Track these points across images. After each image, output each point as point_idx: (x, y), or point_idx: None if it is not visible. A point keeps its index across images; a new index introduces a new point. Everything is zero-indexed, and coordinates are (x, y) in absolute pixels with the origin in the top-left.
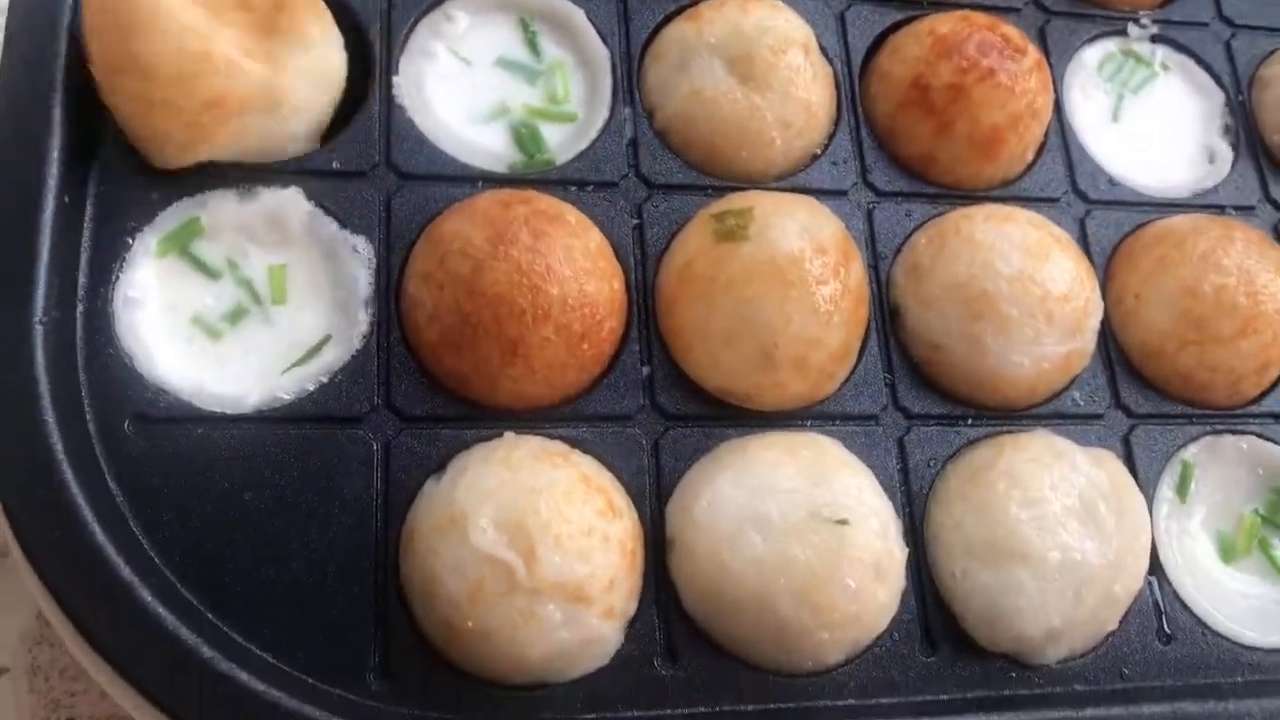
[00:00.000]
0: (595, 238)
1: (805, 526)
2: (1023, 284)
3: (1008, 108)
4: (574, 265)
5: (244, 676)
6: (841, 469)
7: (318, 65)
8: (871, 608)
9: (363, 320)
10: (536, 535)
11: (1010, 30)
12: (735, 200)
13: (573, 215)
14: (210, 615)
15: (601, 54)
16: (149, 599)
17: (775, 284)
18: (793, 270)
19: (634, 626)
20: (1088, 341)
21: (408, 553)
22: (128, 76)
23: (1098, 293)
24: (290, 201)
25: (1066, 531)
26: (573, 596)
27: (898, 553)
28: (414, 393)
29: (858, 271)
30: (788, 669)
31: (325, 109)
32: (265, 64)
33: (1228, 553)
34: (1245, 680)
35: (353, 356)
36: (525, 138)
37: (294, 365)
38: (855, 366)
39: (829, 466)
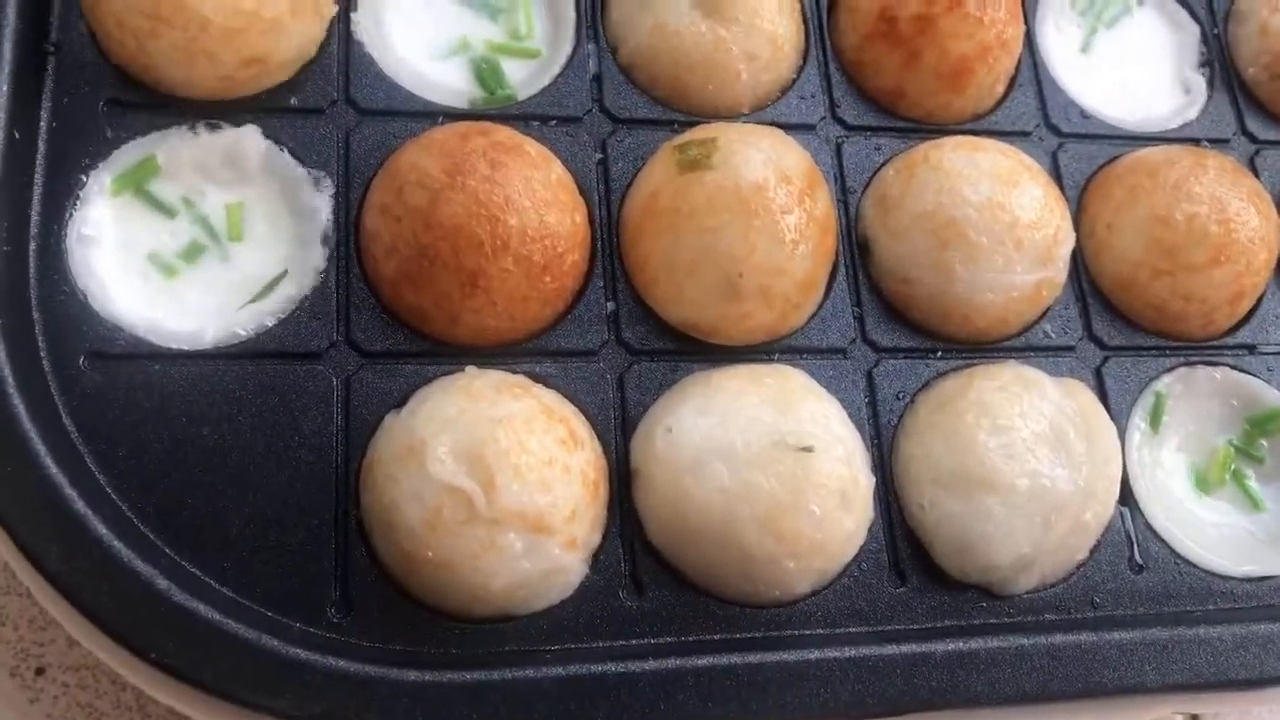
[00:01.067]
0: (556, 170)
1: (769, 455)
2: (991, 211)
3: (976, 38)
4: (534, 196)
5: (200, 608)
6: (807, 397)
7: (325, 14)
8: (837, 536)
9: (321, 256)
10: (495, 464)
11: None
12: (699, 131)
13: (533, 147)
14: (167, 550)
15: None
16: (103, 531)
17: (739, 212)
18: (757, 198)
19: (599, 559)
20: (1059, 271)
21: (367, 483)
22: (173, 25)
23: (1069, 221)
24: (247, 139)
25: (1036, 458)
26: (534, 526)
27: (864, 481)
28: (374, 328)
29: (824, 201)
30: (754, 600)
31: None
32: (301, 21)
33: (1201, 484)
34: (1217, 608)
35: (311, 292)
36: (486, 74)
37: (251, 301)
38: (823, 301)
39: (794, 395)
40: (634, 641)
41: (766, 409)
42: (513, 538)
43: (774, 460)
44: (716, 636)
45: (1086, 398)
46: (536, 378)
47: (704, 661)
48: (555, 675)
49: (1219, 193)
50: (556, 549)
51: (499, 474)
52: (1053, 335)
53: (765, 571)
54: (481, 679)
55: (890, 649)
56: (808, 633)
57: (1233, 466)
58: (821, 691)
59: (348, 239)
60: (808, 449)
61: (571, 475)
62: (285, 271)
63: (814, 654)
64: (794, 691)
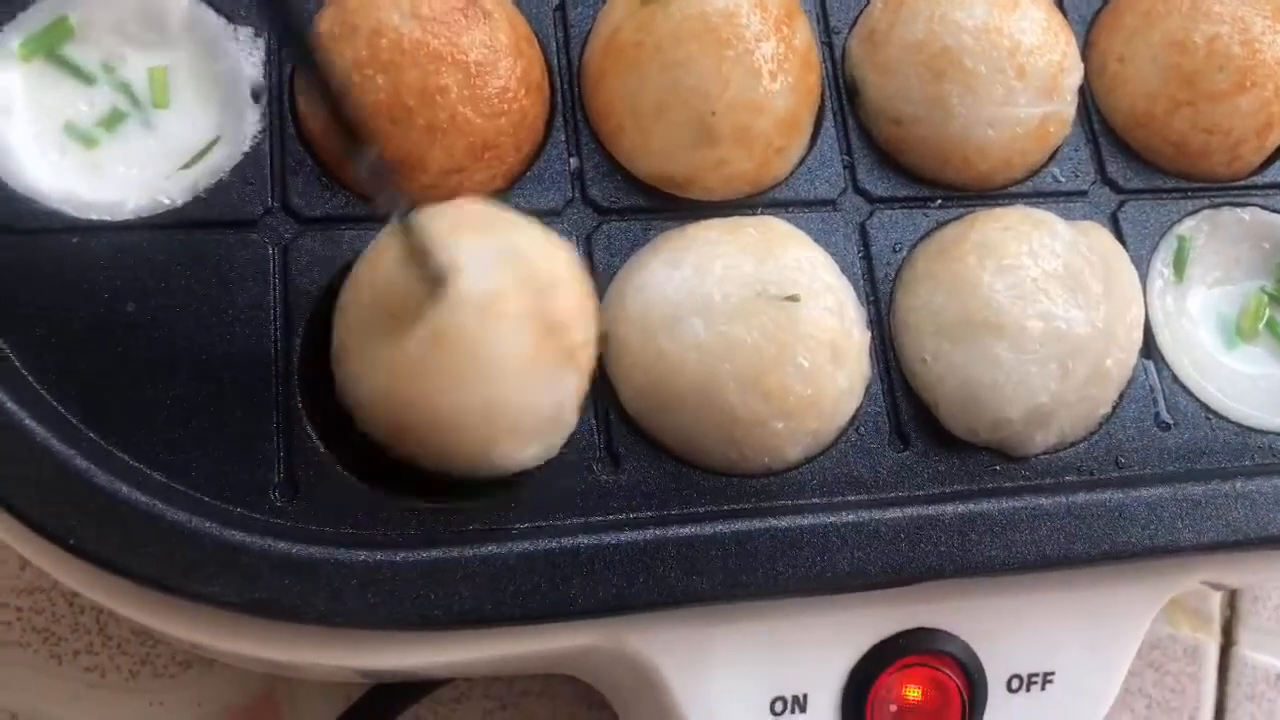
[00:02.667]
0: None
1: (751, 306)
2: (989, 36)
3: None
4: (488, 51)
5: (123, 489)
6: (790, 244)
7: None
8: (829, 392)
9: (254, 118)
10: None
11: None
12: None
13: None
14: (90, 433)
15: None
16: (14, 408)
17: (709, 42)
18: (728, 26)
19: (570, 434)
20: (1066, 106)
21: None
22: None
23: (1075, 49)
24: None
25: (1048, 299)
26: None
27: (857, 335)
28: (313, 192)
29: (803, 33)
30: (742, 469)
31: None
32: None
33: (1233, 335)
34: (1255, 464)
35: (244, 156)
36: None
37: (180, 169)
38: (810, 149)
39: (777, 242)
40: (610, 516)
41: (746, 258)
42: None
43: (756, 312)
44: (701, 509)
45: (1103, 236)
46: None
47: (687, 531)
48: (523, 550)
49: (1241, 12)
50: None
51: None
52: (1062, 179)
53: (752, 435)
54: (440, 556)
55: (893, 513)
56: (802, 502)
57: (1267, 315)
58: (818, 560)
59: (281, 98)
60: (793, 298)
61: None
62: (218, 137)
63: (808, 520)
64: (786, 560)
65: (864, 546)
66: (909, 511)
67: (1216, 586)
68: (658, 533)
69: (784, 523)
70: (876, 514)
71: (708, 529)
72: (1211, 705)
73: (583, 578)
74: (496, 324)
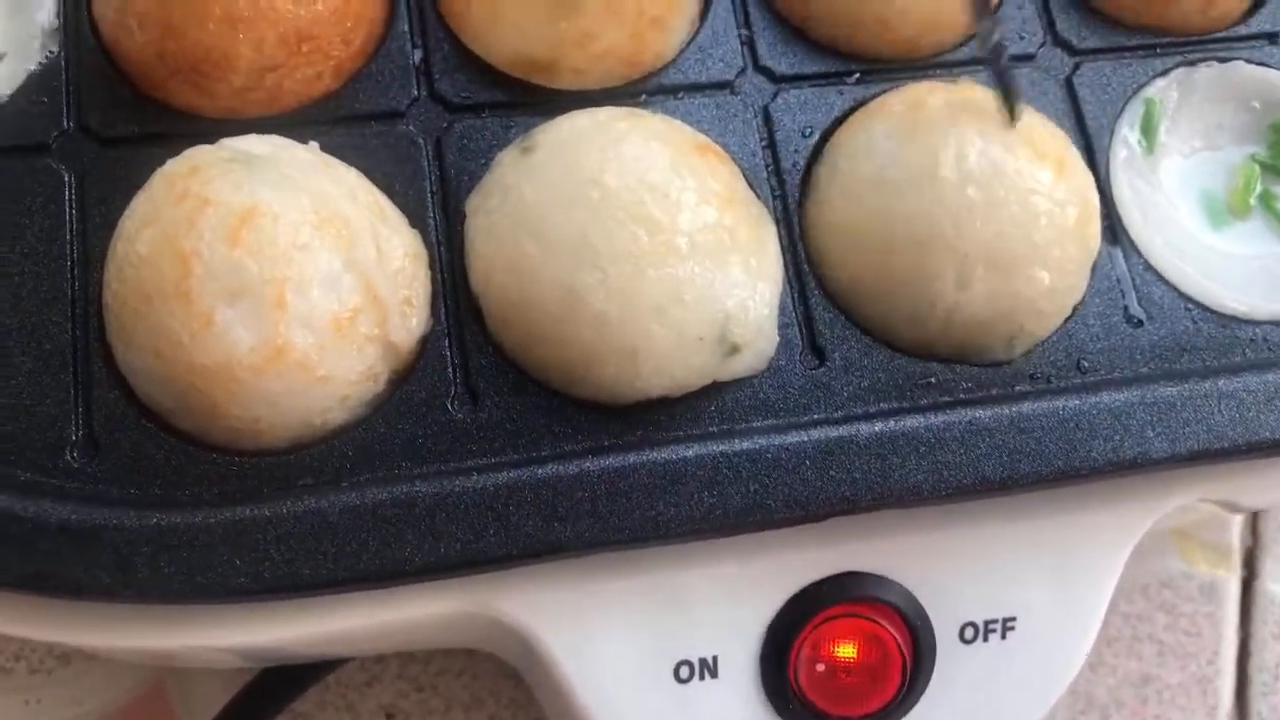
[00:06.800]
0: None
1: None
2: None
3: None
4: None
5: None
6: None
7: None
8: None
9: (47, 29)
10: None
11: None
12: None
13: None
14: None
15: None
16: None
17: None
18: None
19: (419, 366)
20: None
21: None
22: None
23: None
24: None
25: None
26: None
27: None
28: (115, 109)
29: None
30: (626, 394)
31: None
32: None
33: (1219, 213)
34: (1244, 359)
35: (34, 73)
36: None
37: None
38: (700, 24)
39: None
40: (468, 461)
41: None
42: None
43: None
44: (576, 446)
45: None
46: (329, 150)
47: (546, 472)
48: (347, 504)
49: None
50: None
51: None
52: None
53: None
54: (247, 515)
55: (797, 437)
56: (694, 432)
57: (1258, 187)
58: (706, 497)
59: (78, 5)
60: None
61: None
62: (4, 53)
63: (694, 450)
64: (668, 499)
65: (761, 478)
66: (816, 434)
67: (1233, 508)
68: (512, 475)
69: (664, 455)
70: (777, 439)
71: (572, 467)
72: (1234, 647)
73: (420, 533)
74: None
